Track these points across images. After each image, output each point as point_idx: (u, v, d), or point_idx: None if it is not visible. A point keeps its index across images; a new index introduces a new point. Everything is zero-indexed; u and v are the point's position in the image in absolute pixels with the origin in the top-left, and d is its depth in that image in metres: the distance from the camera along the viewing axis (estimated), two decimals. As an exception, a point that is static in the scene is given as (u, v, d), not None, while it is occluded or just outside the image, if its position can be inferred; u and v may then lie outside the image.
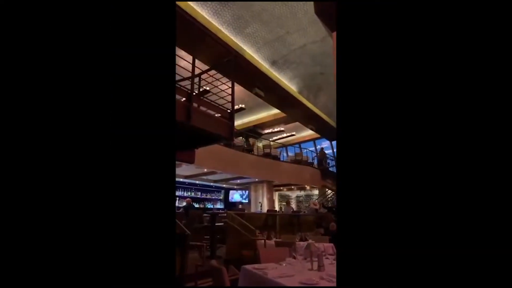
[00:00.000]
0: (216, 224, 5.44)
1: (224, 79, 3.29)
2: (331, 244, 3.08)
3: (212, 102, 2.90)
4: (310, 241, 2.99)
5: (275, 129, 11.71)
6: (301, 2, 5.00)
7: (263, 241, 4.20)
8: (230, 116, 2.75)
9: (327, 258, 2.33)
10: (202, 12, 5.17)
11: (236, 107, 9.42)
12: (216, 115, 2.88)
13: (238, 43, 6.08)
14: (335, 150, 12.46)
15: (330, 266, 2.16)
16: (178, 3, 4.47)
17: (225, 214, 5.30)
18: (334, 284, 1.74)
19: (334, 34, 3.75)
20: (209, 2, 4.97)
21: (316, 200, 10.62)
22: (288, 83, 7.97)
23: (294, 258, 2.28)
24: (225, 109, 2.90)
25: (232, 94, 2.83)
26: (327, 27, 3.92)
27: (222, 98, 3.01)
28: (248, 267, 2.20)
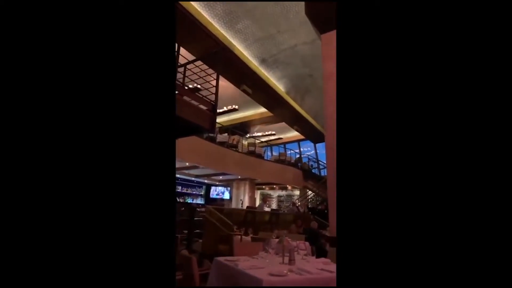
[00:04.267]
0: (195, 218, 5.40)
1: (211, 71, 3.27)
2: (305, 242, 3.13)
3: (196, 94, 2.87)
4: (281, 233, 3.03)
5: (266, 132, 11.77)
6: (293, 2, 5.03)
7: (239, 236, 4.21)
8: (213, 108, 2.74)
9: (298, 253, 2.37)
10: (194, 3, 5.10)
11: (229, 107, 9.54)
12: (200, 106, 2.85)
13: (228, 38, 6.05)
14: (318, 152, 12.67)
15: (301, 261, 2.20)
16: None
17: (204, 209, 5.27)
18: (304, 277, 1.78)
19: (323, 36, 3.81)
20: (201, -6, 4.91)
21: (297, 200, 10.77)
22: (276, 82, 8.01)
23: (267, 252, 2.31)
24: (209, 101, 2.88)
25: (217, 87, 2.81)
26: (317, 29, 3.97)
27: (207, 89, 2.99)
28: (220, 258, 2.21)
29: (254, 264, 1.96)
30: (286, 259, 2.09)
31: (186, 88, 2.86)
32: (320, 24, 3.82)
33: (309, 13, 3.85)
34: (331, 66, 3.51)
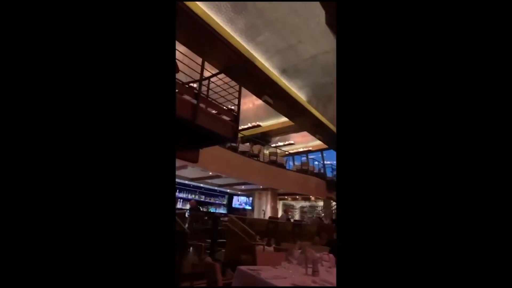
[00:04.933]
0: (219, 228, 5.45)
1: (233, 83, 3.38)
2: (329, 254, 3.04)
3: (219, 105, 2.97)
4: (304, 245, 2.97)
5: (286, 142, 11.77)
6: (314, 13, 5.08)
7: (262, 246, 4.18)
8: (235, 118, 2.81)
9: (322, 265, 2.31)
10: (217, 19, 5.33)
11: (253, 123, 9.72)
12: (223, 117, 2.94)
13: (250, 50, 6.20)
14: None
15: (325, 272, 2.15)
16: (191, 7, 4.63)
17: (227, 219, 5.32)
18: (327, 290, 1.73)
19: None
20: (224, 10, 5.12)
21: (321, 211, 10.50)
22: (297, 91, 8.02)
23: (290, 263, 2.28)
24: (232, 112, 2.97)
25: (239, 98, 2.89)
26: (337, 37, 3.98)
27: (229, 101, 3.09)
28: (243, 267, 2.21)
29: (277, 274, 1.95)
30: (310, 271, 2.05)
31: (210, 100, 2.97)
32: (341, 33, 3.83)
33: (330, 22, 3.87)
34: (353, 74, 3.48)
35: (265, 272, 1.98)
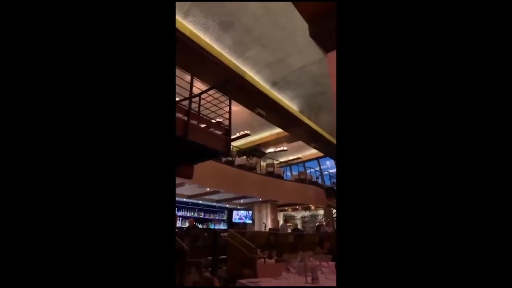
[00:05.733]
0: (219, 243, 5.39)
1: (224, 98, 3.46)
2: (328, 262, 3.03)
3: (210, 120, 3.03)
4: (306, 255, 2.95)
5: (278, 148, 11.82)
6: (298, 26, 5.27)
7: (263, 259, 4.13)
8: (227, 132, 2.86)
9: (322, 273, 2.30)
10: (205, 38, 5.49)
11: (242, 132, 9.83)
12: (215, 132, 2.99)
13: (239, 66, 6.36)
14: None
15: (326, 280, 2.14)
16: (178, 27, 4.78)
17: (227, 234, 5.27)
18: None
19: (329, 55, 3.94)
20: (211, 29, 5.29)
21: (322, 220, 10.41)
22: (289, 102, 8.16)
23: (290, 272, 2.27)
24: (223, 125, 3.02)
25: (230, 112, 2.96)
26: (322, 48, 4.12)
27: (221, 115, 3.15)
28: (243, 281, 2.20)
29: (277, 285, 1.94)
30: (310, 279, 2.04)
31: (201, 116, 3.03)
32: (325, 44, 3.97)
33: (313, 34, 4.02)
34: (340, 82, 3.59)
35: (265, 284, 1.97)
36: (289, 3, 4.11)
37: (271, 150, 11.96)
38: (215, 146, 2.64)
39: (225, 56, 5.96)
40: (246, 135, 10.01)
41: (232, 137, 10.17)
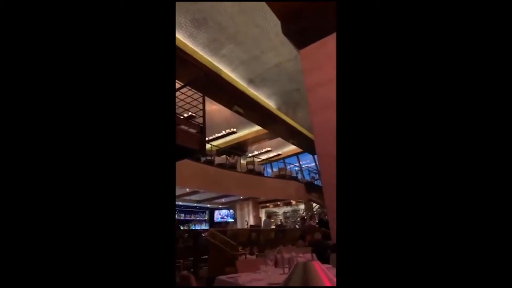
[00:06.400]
0: (201, 244, 5.34)
1: (198, 95, 3.42)
2: (308, 252, 3.11)
3: (184, 119, 2.99)
4: (286, 249, 3.02)
5: (262, 150, 11.90)
6: (271, 24, 5.32)
7: (244, 256, 4.15)
8: (202, 130, 2.84)
9: (300, 263, 2.37)
10: (178, 35, 5.39)
11: (228, 130, 9.78)
12: (189, 130, 2.96)
13: (215, 63, 6.32)
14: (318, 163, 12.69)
15: (302, 270, 2.20)
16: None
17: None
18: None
19: (301, 51, 4.02)
20: (184, 26, 5.20)
21: (304, 214, 10.62)
22: (266, 100, 8.23)
23: (267, 265, 2.31)
24: (198, 123, 3.00)
25: (203, 110, 2.94)
26: (295, 45, 4.19)
27: (195, 113, 3.12)
28: (222, 277, 2.21)
29: (254, 277, 1.97)
30: (286, 270, 2.09)
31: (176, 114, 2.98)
32: (297, 41, 4.05)
33: (286, 32, 4.09)
34: (312, 78, 3.68)
35: (243, 277, 2.00)
36: (262, 1, 4.14)
37: (253, 149, 12.02)
38: (189, 144, 2.62)
39: (199, 54, 5.89)
40: (233, 133, 9.96)
41: (217, 135, 10.10)
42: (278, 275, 2.00)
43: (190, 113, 3.21)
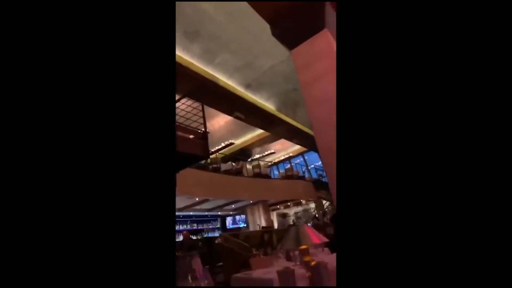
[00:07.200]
0: (215, 251, 5.40)
1: (197, 104, 3.54)
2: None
3: (186, 127, 3.10)
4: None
5: (266, 152, 12.00)
6: (261, 28, 5.45)
7: (259, 256, 4.21)
8: (204, 136, 2.95)
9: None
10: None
11: (226, 142, 9.94)
12: (192, 138, 3.07)
13: (211, 73, 6.47)
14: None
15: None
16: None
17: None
18: (304, 270, 1.85)
19: (292, 51, 4.13)
20: (177, 39, 5.37)
21: (315, 213, 10.61)
22: (265, 102, 8.34)
23: (279, 259, 2.38)
24: (200, 131, 3.11)
25: (203, 117, 3.05)
26: (286, 46, 4.31)
27: (196, 121, 3.23)
28: (237, 274, 2.29)
29: (268, 271, 2.04)
30: (299, 263, 2.16)
31: (177, 124, 3.10)
32: (288, 41, 4.16)
33: (275, 33, 4.20)
34: (306, 76, 3.78)
35: (256, 272, 2.07)
36: (249, 6, 4.28)
37: (258, 153, 12.11)
38: (192, 151, 2.72)
39: (195, 65, 6.05)
40: (231, 144, 10.16)
41: (217, 147, 10.25)
42: (286, 263, 2.07)
43: (191, 121, 3.33)
